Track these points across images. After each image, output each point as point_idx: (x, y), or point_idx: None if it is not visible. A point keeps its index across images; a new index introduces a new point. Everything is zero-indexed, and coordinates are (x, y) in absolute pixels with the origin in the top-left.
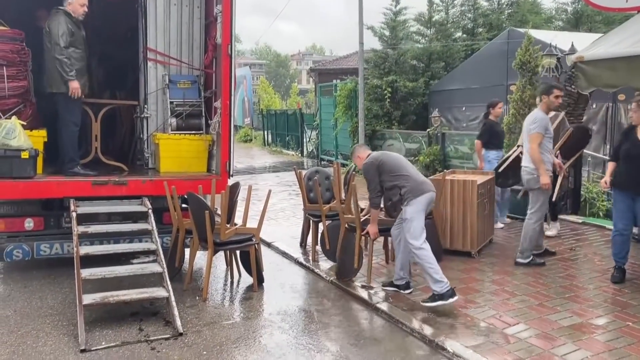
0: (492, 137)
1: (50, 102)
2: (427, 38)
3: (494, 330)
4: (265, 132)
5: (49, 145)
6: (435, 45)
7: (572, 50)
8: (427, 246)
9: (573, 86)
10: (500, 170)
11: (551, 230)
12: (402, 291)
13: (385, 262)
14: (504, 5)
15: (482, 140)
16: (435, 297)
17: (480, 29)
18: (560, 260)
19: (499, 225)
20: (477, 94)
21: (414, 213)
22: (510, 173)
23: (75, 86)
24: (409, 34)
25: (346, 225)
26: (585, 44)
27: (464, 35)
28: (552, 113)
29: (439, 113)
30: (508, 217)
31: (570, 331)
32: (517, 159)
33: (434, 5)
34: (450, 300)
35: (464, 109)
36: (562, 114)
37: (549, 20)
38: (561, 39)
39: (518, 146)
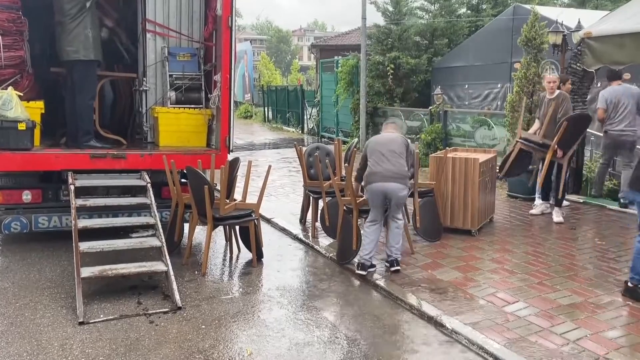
0: None
1: (52, 74)
2: (430, 14)
3: (493, 308)
4: (266, 109)
5: (47, 117)
6: (439, 21)
7: (579, 27)
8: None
9: (578, 64)
10: (506, 168)
11: (558, 216)
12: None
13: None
14: None
15: None
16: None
17: (485, 5)
18: (561, 239)
19: None
20: (480, 71)
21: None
22: (515, 164)
23: None
24: (413, 10)
25: (344, 207)
26: (591, 22)
27: (469, 11)
28: (557, 92)
29: (441, 90)
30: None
31: (569, 310)
32: (520, 152)
33: None
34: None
35: (466, 86)
36: (563, 93)
37: None
38: (567, 16)
39: (517, 141)
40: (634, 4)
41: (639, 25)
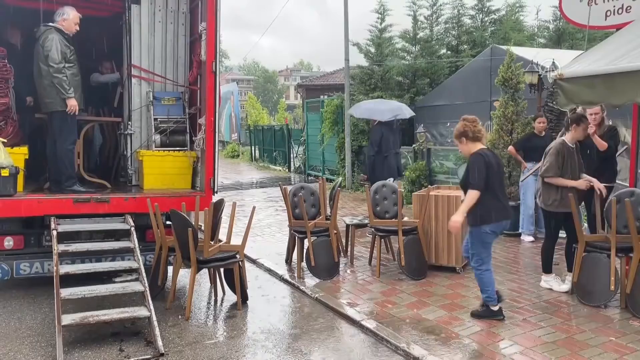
0: (527, 149)
1: (36, 120)
2: (412, 55)
3: (478, 347)
4: (253, 148)
5: (31, 163)
6: (420, 62)
7: (553, 68)
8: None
9: (554, 102)
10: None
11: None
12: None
13: (379, 276)
14: (487, 23)
15: (515, 147)
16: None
17: (464, 46)
18: None
19: None
20: (461, 109)
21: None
22: None
23: (73, 104)
24: (394, 51)
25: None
26: (566, 61)
27: (448, 52)
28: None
29: (424, 129)
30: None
31: (553, 347)
32: None
33: (419, 22)
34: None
35: (448, 124)
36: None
37: (531, 38)
38: (543, 56)
39: None
40: (602, 46)
41: (607, 66)
